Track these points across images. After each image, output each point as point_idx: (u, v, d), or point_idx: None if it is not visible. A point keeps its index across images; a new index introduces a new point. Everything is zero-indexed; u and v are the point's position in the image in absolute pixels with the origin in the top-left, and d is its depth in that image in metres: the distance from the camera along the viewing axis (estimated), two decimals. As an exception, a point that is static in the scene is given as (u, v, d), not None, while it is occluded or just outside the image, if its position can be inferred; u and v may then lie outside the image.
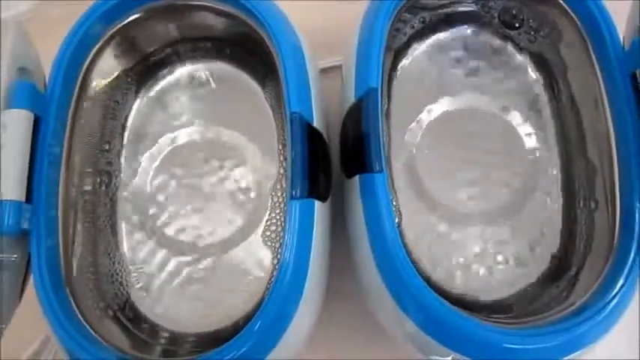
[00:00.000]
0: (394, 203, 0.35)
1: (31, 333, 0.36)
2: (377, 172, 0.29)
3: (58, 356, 0.36)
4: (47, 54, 0.32)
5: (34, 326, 0.34)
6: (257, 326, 0.27)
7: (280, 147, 0.36)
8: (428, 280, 0.33)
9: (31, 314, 0.29)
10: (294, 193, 0.28)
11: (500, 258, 0.35)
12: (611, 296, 0.28)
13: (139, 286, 0.35)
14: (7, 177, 0.28)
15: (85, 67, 0.33)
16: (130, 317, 0.34)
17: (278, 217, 0.36)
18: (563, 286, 0.32)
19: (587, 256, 0.32)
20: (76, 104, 0.33)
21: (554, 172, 0.36)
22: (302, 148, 0.29)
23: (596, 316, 0.27)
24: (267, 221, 0.35)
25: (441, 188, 0.35)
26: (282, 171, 0.36)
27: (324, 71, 0.41)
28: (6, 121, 0.29)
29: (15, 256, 0.29)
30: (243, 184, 0.36)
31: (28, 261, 0.30)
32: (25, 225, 0.29)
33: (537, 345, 0.27)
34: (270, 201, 0.36)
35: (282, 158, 0.36)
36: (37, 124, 0.30)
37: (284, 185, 0.36)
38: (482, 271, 0.34)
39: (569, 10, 0.33)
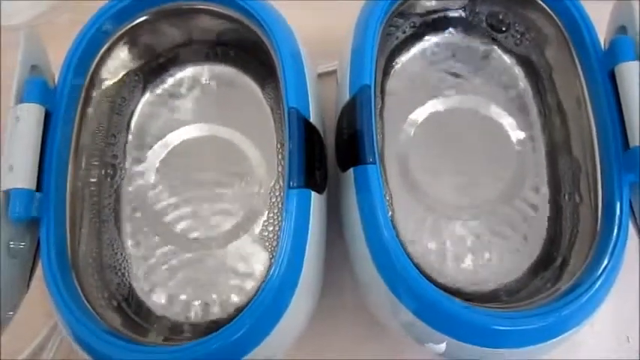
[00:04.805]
0: (387, 197, 0.36)
1: (39, 323, 0.37)
2: (370, 164, 0.30)
3: (59, 355, 0.37)
4: (52, 58, 0.34)
5: (42, 316, 0.35)
6: (252, 312, 0.27)
7: (279, 146, 0.37)
8: (420, 271, 0.34)
9: (38, 307, 0.31)
10: (291, 183, 0.29)
11: (488, 250, 0.35)
12: (596, 276, 0.28)
13: (141, 277, 0.35)
14: (18, 166, 0.29)
15: (94, 64, 0.34)
16: (132, 306, 0.34)
17: (276, 217, 0.36)
18: (550, 275, 0.33)
19: (573, 246, 0.33)
20: (84, 100, 0.34)
21: (541, 169, 0.36)
22: (299, 141, 0.30)
23: (583, 295, 0.28)
24: (265, 218, 0.36)
25: (432, 183, 0.36)
26: (280, 169, 0.37)
27: (321, 76, 0.42)
28: (19, 113, 0.30)
29: (23, 243, 0.30)
30: (243, 182, 0.37)
31: (36, 250, 0.30)
32: (34, 212, 0.30)
33: (526, 326, 0.27)
34: (269, 200, 0.36)
35: (280, 157, 0.37)
36: (48, 117, 0.31)
37: (282, 185, 0.36)
38: (471, 262, 0.35)
39: (551, 14, 0.35)
